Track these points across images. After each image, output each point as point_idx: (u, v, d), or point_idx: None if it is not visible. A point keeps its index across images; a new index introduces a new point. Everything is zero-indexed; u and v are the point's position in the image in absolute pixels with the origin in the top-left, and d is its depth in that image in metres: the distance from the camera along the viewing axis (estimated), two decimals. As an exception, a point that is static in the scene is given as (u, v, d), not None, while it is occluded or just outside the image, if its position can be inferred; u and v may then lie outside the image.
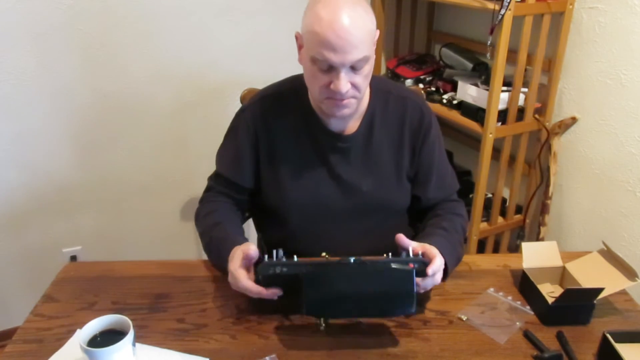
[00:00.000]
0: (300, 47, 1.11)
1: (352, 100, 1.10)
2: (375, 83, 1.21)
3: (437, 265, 1.01)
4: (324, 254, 1.07)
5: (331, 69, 1.04)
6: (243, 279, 1.01)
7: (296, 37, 1.11)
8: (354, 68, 1.04)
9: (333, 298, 0.96)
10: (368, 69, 1.08)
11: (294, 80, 1.23)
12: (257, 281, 1.02)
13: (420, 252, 1.03)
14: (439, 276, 1.04)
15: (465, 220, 1.28)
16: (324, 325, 1.02)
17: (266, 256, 1.02)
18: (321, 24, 1.00)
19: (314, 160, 1.22)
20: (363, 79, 1.08)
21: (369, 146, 1.22)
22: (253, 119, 1.22)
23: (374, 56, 1.09)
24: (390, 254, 1.03)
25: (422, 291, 1.04)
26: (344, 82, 1.05)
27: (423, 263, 1.00)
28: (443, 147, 1.31)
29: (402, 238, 1.04)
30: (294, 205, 1.23)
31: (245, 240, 1.12)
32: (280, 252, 1.02)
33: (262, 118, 1.22)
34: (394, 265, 0.97)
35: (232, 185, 1.26)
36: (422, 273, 1.00)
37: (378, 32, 1.09)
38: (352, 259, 0.99)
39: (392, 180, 1.25)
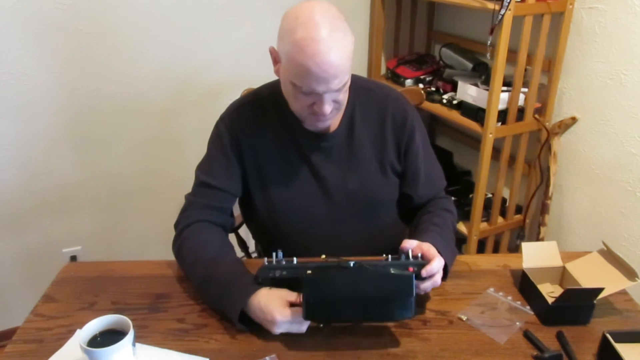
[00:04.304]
0: (275, 61, 1.09)
1: (334, 112, 1.10)
2: (354, 80, 1.20)
3: (434, 267, 1.01)
4: (323, 256, 1.07)
5: (314, 93, 1.04)
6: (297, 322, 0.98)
7: (270, 52, 1.09)
8: (336, 90, 1.04)
9: (332, 303, 0.96)
10: (348, 85, 1.08)
11: (272, 85, 1.21)
12: (257, 284, 1.03)
13: (419, 255, 1.03)
14: (438, 277, 1.04)
15: (454, 216, 1.29)
16: (322, 325, 1.02)
17: (266, 259, 1.02)
18: (302, 55, 0.98)
19: (297, 163, 1.22)
20: (344, 95, 1.09)
21: (351, 143, 1.22)
22: (234, 126, 1.21)
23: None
24: (389, 256, 1.03)
25: (422, 292, 1.05)
26: (328, 105, 1.06)
27: (422, 265, 1.01)
28: (428, 143, 1.31)
29: (405, 243, 1.05)
30: (283, 210, 1.23)
31: (249, 275, 1.06)
32: (280, 253, 1.03)
33: (243, 125, 1.21)
34: (393, 271, 0.98)
35: (219, 193, 1.21)
36: (421, 275, 1.01)
37: (353, 40, 1.06)
38: (351, 263, 0.99)
39: (377, 176, 1.24)
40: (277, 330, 0.98)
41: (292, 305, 0.99)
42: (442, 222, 1.21)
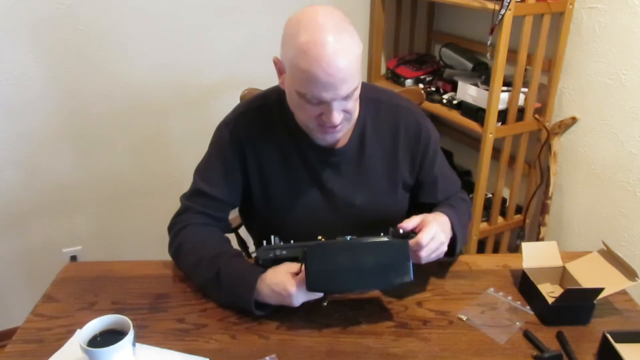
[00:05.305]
0: (280, 72, 1.05)
1: (344, 123, 1.05)
2: (363, 91, 1.11)
3: (423, 236, 1.00)
4: (320, 237, 1.06)
5: (321, 102, 0.98)
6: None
7: (275, 62, 1.05)
8: (345, 97, 0.99)
9: (334, 273, 0.98)
10: (358, 92, 1.03)
11: (278, 91, 1.15)
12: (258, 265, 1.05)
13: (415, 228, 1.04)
14: (443, 247, 1.03)
15: (469, 205, 1.28)
16: (326, 302, 1.04)
17: (264, 242, 1.03)
18: (307, 59, 0.93)
19: (303, 175, 1.17)
20: (354, 103, 1.03)
21: (361, 159, 1.18)
22: (238, 132, 1.15)
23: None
24: (383, 234, 1.04)
25: (423, 262, 1.03)
26: (337, 114, 1.00)
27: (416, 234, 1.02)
28: (440, 150, 1.29)
29: (404, 223, 1.03)
30: (286, 223, 1.20)
31: (252, 265, 1.08)
32: (277, 239, 1.04)
33: (248, 131, 1.15)
34: (388, 239, 1.00)
35: (216, 203, 1.18)
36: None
37: (361, 45, 1.01)
38: (348, 237, 1.01)
39: (386, 192, 1.21)
40: (296, 301, 1.00)
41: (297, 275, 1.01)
42: (456, 204, 1.20)
